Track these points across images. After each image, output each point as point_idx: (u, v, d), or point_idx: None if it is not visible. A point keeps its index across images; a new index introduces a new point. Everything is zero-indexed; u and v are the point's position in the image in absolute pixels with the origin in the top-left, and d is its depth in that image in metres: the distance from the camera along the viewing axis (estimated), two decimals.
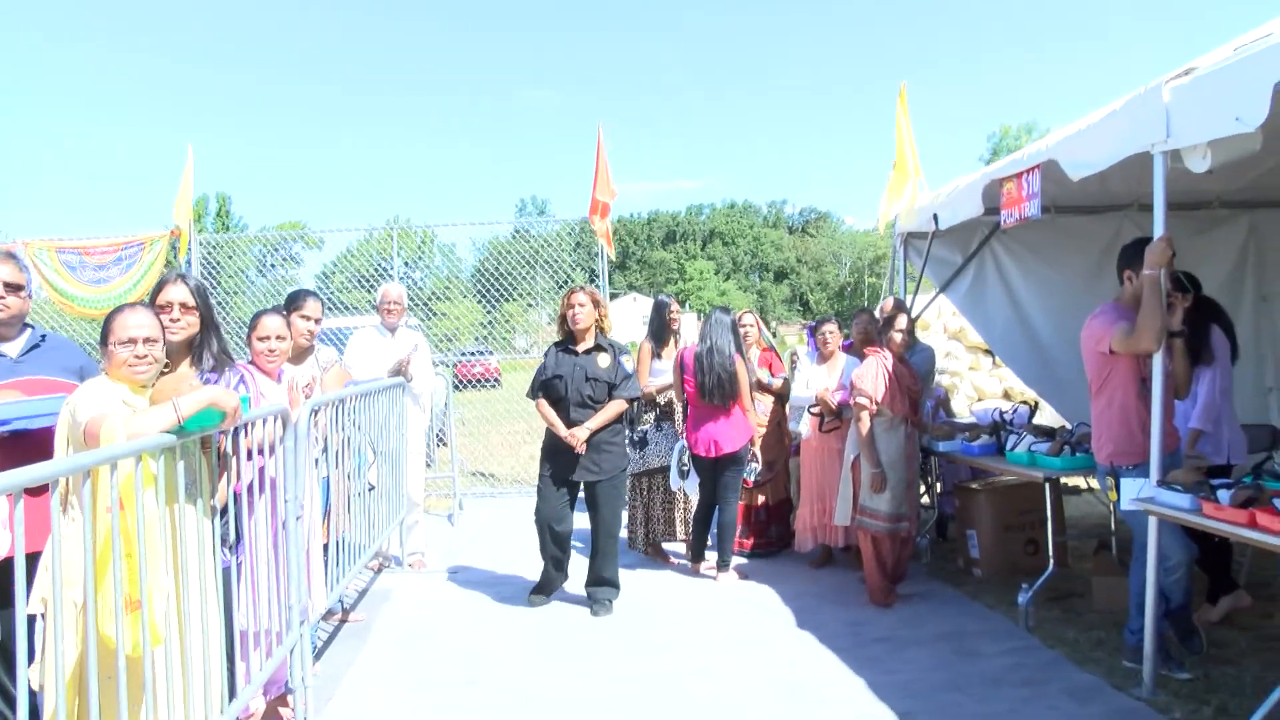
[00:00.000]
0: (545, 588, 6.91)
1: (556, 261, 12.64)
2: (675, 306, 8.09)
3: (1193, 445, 5.81)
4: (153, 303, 4.23)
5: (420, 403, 8.08)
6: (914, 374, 6.82)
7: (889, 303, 7.73)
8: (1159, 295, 4.75)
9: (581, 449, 6.52)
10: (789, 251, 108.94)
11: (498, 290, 12.82)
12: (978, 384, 12.16)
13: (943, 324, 12.97)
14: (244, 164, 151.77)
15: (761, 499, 8.03)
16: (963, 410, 11.03)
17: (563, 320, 6.77)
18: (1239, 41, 4.30)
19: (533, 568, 7.11)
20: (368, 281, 12.85)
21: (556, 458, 6.66)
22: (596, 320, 6.72)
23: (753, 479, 7.59)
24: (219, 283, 12.76)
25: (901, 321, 6.75)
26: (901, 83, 8.89)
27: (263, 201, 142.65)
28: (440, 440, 12.34)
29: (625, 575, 7.43)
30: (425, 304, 14.06)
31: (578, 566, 7.13)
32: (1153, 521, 4.76)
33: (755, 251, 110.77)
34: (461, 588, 7.40)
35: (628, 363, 6.80)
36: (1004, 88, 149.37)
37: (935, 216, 7.38)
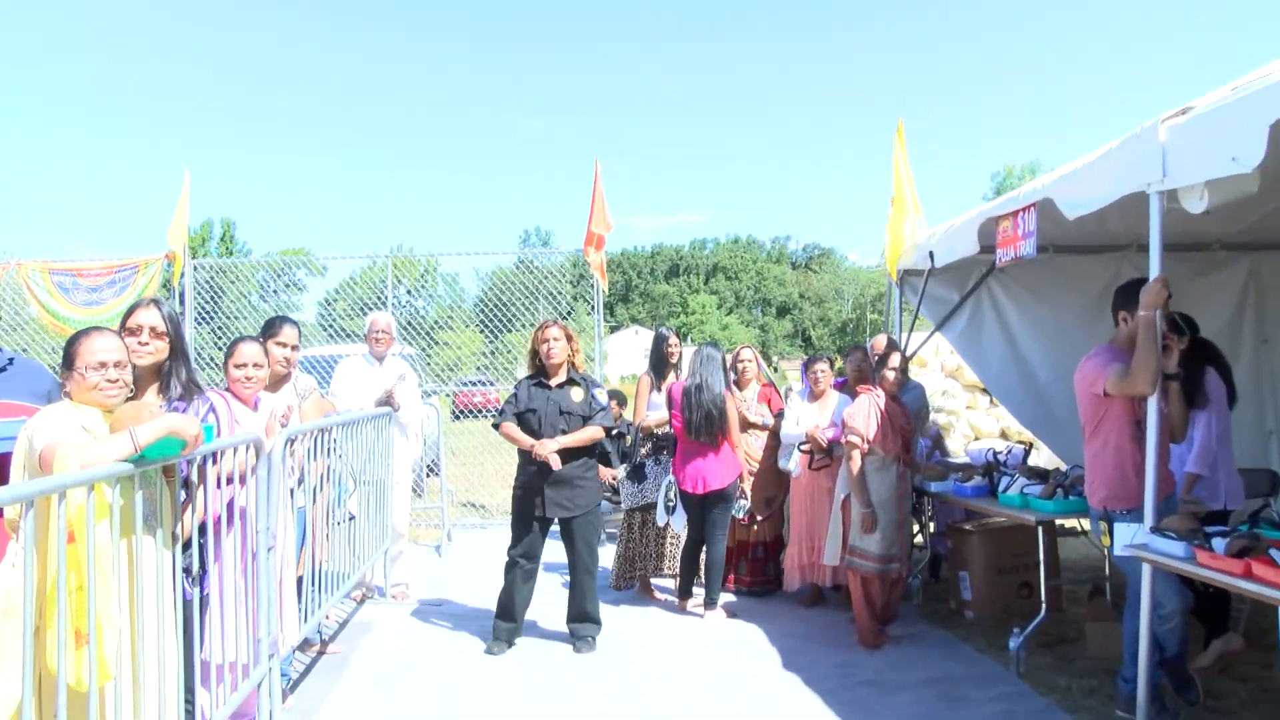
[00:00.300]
0: (501, 632, 6.64)
1: (559, 293, 12.57)
2: (674, 340, 8.01)
3: (1189, 490, 5.71)
4: (123, 326, 4.15)
5: (408, 432, 7.98)
6: (907, 412, 6.72)
7: (880, 340, 7.64)
8: (1154, 337, 4.65)
9: (552, 462, 6.33)
10: (792, 287, 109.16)
11: (500, 320, 12.76)
12: (974, 423, 12.02)
13: (940, 362, 12.87)
14: (251, 189, 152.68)
15: (760, 536, 7.91)
16: (959, 449, 10.89)
17: (534, 354, 6.65)
18: (1238, 82, 4.22)
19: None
20: (370, 309, 12.79)
21: (528, 495, 6.51)
22: (569, 355, 6.61)
23: (741, 515, 7.45)
24: (220, 307, 12.72)
25: (895, 359, 6.65)
26: (899, 119, 8.85)
27: (269, 227, 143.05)
28: (431, 470, 12.24)
29: (610, 611, 7.34)
30: (428, 333, 13.99)
31: (558, 603, 6.98)
32: (1146, 568, 4.64)
33: (758, 286, 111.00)
34: (444, 621, 7.26)
35: (600, 395, 6.70)
36: (1010, 128, 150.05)
37: (931, 254, 7.30)
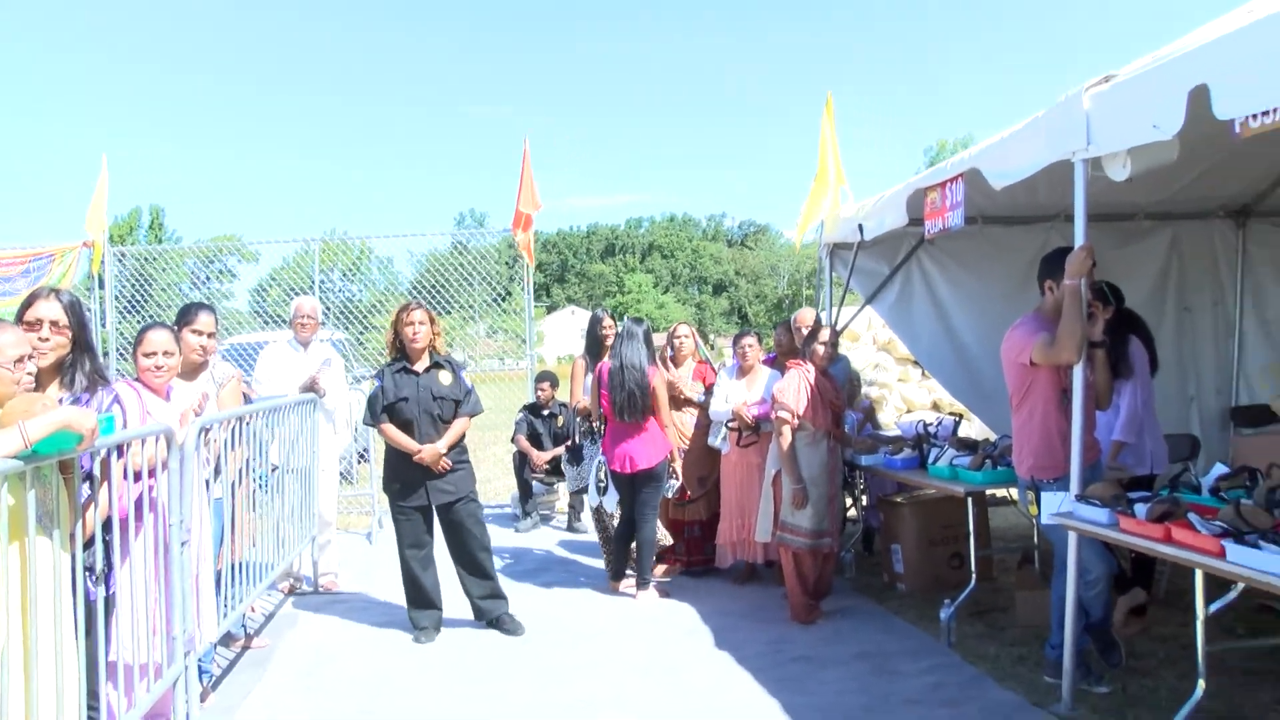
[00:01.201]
0: (423, 621, 6.53)
1: (495, 275, 12.43)
2: (609, 321, 7.94)
3: (1115, 457, 5.75)
4: (20, 319, 3.98)
5: (336, 419, 7.82)
6: (836, 387, 6.69)
7: (804, 314, 7.59)
8: (1079, 305, 4.64)
9: (443, 465, 6.26)
10: (728, 264, 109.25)
11: (435, 304, 12.57)
12: (907, 395, 12.12)
13: (872, 335, 12.94)
14: (182, 177, 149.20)
15: (695, 515, 7.87)
16: (891, 422, 10.95)
17: (395, 339, 6.48)
18: (1160, 51, 4.21)
19: (449, 586, 6.78)
20: (303, 295, 12.54)
21: (408, 485, 6.36)
22: (431, 338, 6.46)
23: (671, 494, 7.39)
24: (150, 296, 12.41)
25: (824, 334, 6.62)
26: (828, 92, 8.80)
27: (201, 215, 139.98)
28: (363, 457, 12.06)
29: (542, 595, 7.32)
30: (363, 318, 13.78)
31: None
32: (1072, 536, 4.65)
33: (694, 264, 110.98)
34: (374, 610, 7.14)
35: (467, 378, 6.60)
36: (945, 103, 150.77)
37: (860, 227, 7.27)
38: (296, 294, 12.00)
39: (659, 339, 8.24)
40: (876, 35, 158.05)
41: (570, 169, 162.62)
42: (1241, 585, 3.65)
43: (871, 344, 12.84)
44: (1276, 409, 5.86)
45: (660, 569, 7.58)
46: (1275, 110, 3.41)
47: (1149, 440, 5.86)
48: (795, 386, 6.44)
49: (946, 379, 8.23)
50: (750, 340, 7.57)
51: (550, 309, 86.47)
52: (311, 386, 7.35)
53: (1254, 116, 3.50)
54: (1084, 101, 4.41)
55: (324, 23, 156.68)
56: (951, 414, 8.38)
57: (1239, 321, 8.45)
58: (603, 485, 7.30)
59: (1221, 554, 3.55)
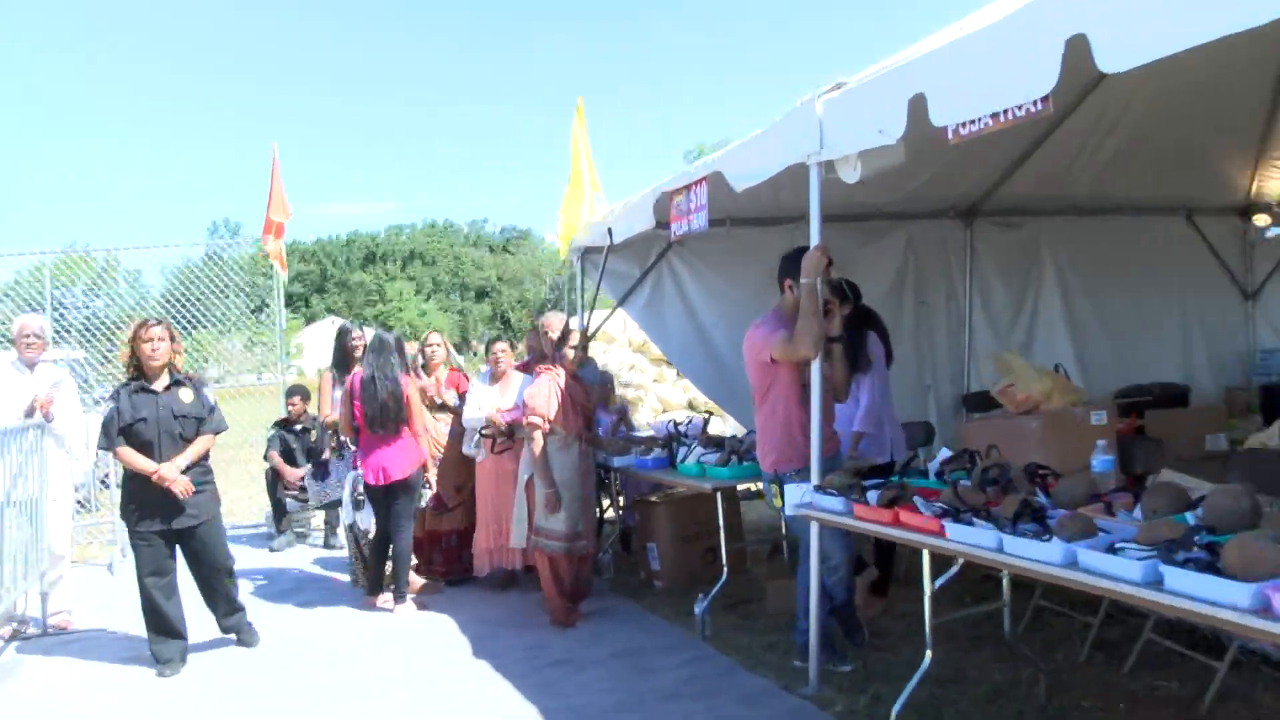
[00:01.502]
0: (167, 653, 6.15)
1: (251, 285, 11.93)
2: (357, 333, 7.78)
3: (855, 447, 5.99)
4: None
5: (69, 444, 7.28)
6: (587, 390, 6.75)
7: (551, 319, 7.61)
8: (816, 303, 4.83)
9: (183, 489, 5.95)
10: (490, 270, 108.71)
11: (189, 317, 11.93)
12: (663, 396, 12.35)
13: (628, 338, 13.12)
14: None
15: (452, 524, 7.78)
16: (647, 423, 11.13)
17: (132, 357, 6.14)
18: (887, 60, 4.44)
19: (198, 613, 6.45)
20: (40, 311, 11.64)
21: (147, 509, 6.03)
22: (170, 355, 6.17)
23: (425, 504, 7.28)
24: None
25: (574, 338, 6.66)
26: (579, 97, 8.89)
27: None
28: (104, 483, 11.35)
29: (298, 615, 7.15)
30: (109, 334, 12.96)
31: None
32: (813, 525, 4.84)
33: (456, 271, 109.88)
34: (112, 646, 6.66)
35: (209, 395, 6.39)
36: (703, 107, 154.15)
37: (610, 231, 7.35)
38: (32, 311, 11.21)
39: (411, 348, 8.13)
40: (641, 38, 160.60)
41: (329, 175, 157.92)
42: (962, 560, 3.89)
43: (627, 346, 13.04)
44: (995, 396, 6.26)
45: (418, 584, 7.44)
46: (980, 119, 3.65)
47: (888, 429, 6.17)
48: (545, 391, 6.45)
49: (698, 378, 8.42)
50: (502, 346, 7.56)
51: (310, 320, 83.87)
52: (36, 410, 6.85)
53: (963, 125, 3.73)
54: (817, 108, 4.60)
55: (40, 16, 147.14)
56: (708, 412, 8.60)
57: (969, 314, 8.99)
58: (359, 499, 7.14)
59: (942, 533, 3.78)
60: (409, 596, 7.10)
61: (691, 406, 11.81)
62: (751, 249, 7.94)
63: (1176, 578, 2.88)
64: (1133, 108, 7.14)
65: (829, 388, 5.25)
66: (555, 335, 7.18)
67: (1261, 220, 9.54)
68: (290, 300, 11.61)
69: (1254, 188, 9.27)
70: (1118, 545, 3.12)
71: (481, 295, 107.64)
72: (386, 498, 6.95)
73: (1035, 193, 8.48)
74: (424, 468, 7.09)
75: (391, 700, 5.36)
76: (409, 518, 7.04)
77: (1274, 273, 9.87)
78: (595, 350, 12.83)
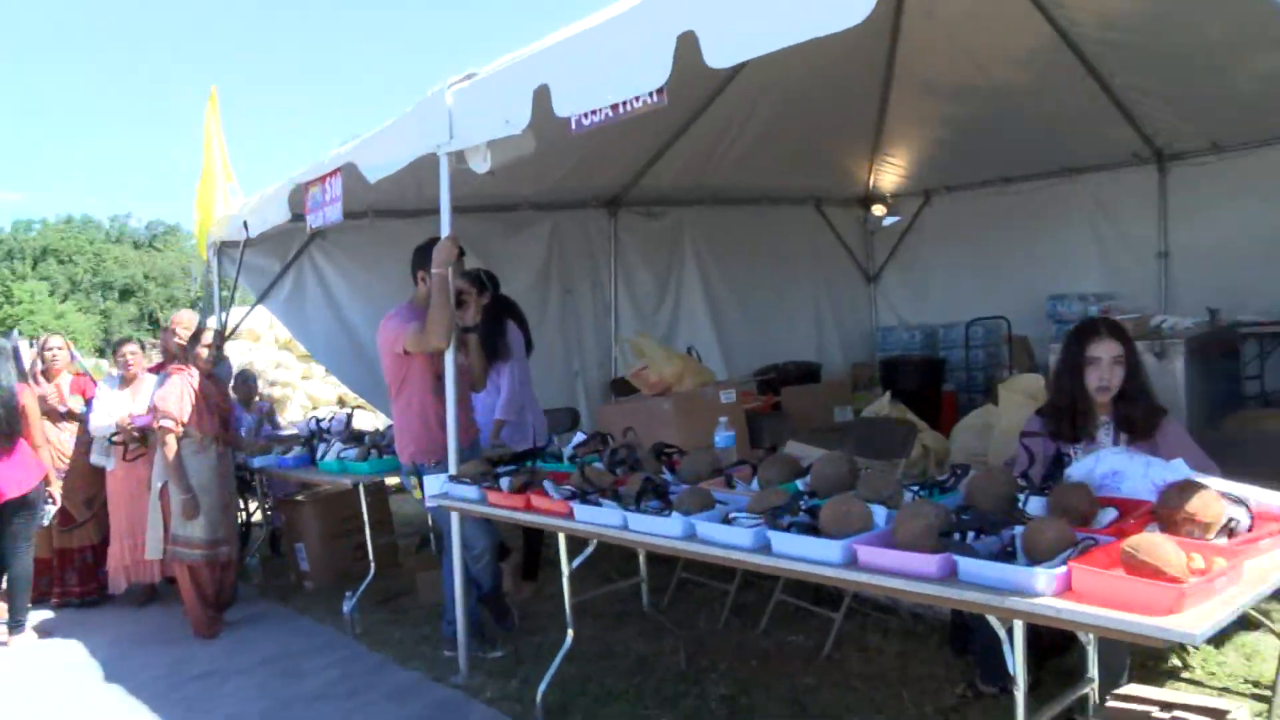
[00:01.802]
0: None
1: None
2: None
3: (496, 435, 6.06)
4: None
5: None
6: (223, 390, 6.48)
7: (179, 317, 7.22)
8: (447, 293, 4.85)
9: None
10: (135, 268, 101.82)
11: None
12: (311, 393, 12.02)
13: (274, 335, 12.66)
14: None
15: (84, 540, 7.20)
16: (290, 422, 10.79)
17: None
18: (518, 51, 4.48)
19: None
20: None
21: None
22: None
23: (48, 522, 6.73)
24: None
25: (207, 336, 6.35)
26: (212, 86, 8.47)
27: None
28: None
29: None
30: None
31: None
32: (454, 514, 4.86)
33: (97, 270, 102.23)
34: None
35: None
36: (355, 95, 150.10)
37: (245, 224, 7.06)
38: None
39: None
40: (290, 27, 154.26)
41: None
42: (595, 540, 4.03)
43: (274, 343, 12.58)
44: (630, 379, 6.51)
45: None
46: (600, 110, 3.77)
47: (530, 416, 6.27)
48: (177, 393, 6.12)
49: (343, 373, 8.23)
50: (131, 349, 7.10)
51: None
52: None
53: (584, 115, 3.84)
54: (447, 98, 4.62)
55: None
56: (354, 407, 8.45)
57: (615, 302, 9.30)
58: None
59: (571, 515, 3.89)
60: (28, 625, 6.54)
61: (342, 402, 11.54)
62: (395, 241, 7.78)
63: (782, 541, 3.08)
64: (761, 106, 7.59)
65: (466, 378, 5.29)
66: (185, 333, 6.83)
67: (878, 210, 10.48)
68: None
69: (871, 180, 10.15)
70: (732, 515, 3.31)
71: (126, 295, 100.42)
72: (2, 517, 6.35)
73: (676, 183, 8.83)
74: (46, 481, 6.54)
75: None
76: (27, 538, 6.44)
77: (890, 258, 10.79)
78: (240, 348, 12.35)
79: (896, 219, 10.61)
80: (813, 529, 3.06)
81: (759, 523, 3.20)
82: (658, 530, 3.50)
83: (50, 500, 6.58)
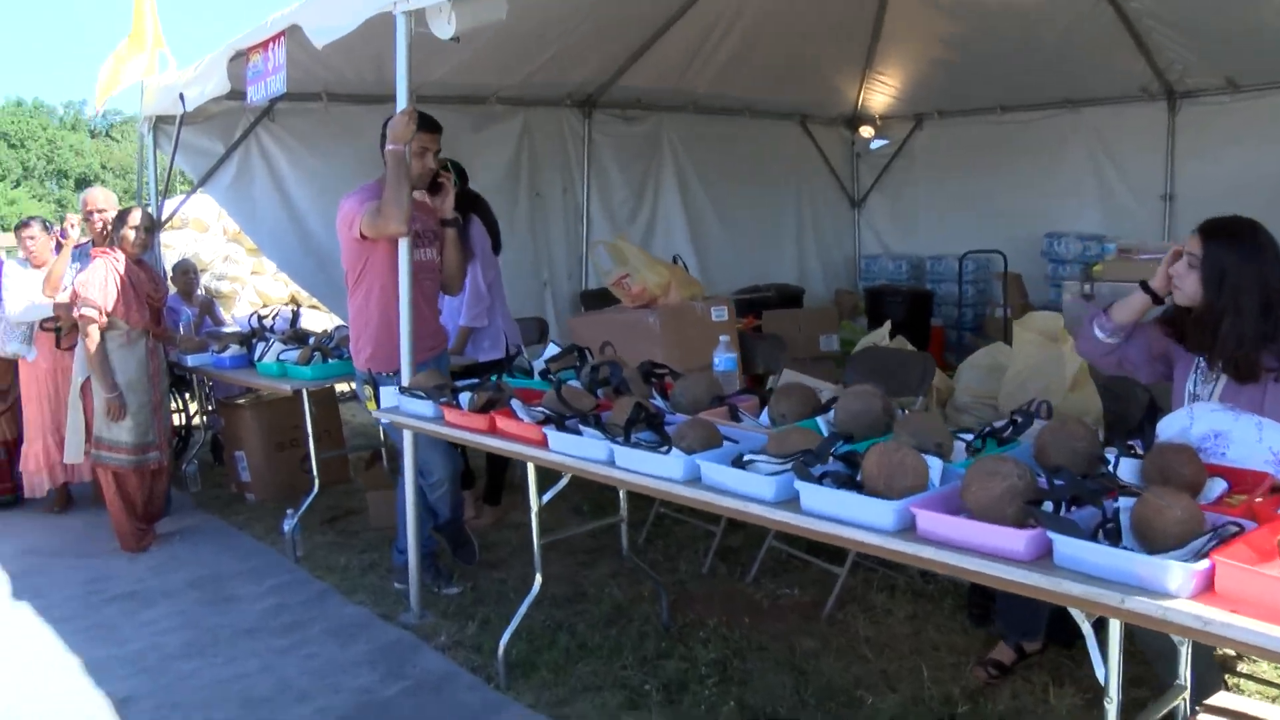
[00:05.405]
0: None
1: None
2: None
3: (462, 346, 5.45)
4: None
5: None
6: (155, 278, 5.79)
7: (93, 193, 6.48)
8: (403, 171, 4.19)
9: None
10: (92, 157, 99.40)
11: None
12: (262, 289, 11.30)
13: (223, 225, 11.83)
14: None
15: None
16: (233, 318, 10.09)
17: None
18: None
19: None
20: None
21: None
22: None
23: None
24: None
25: (135, 217, 5.63)
26: None
27: None
28: None
29: None
30: None
31: None
32: (407, 433, 4.25)
33: (51, 156, 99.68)
34: None
35: None
36: None
37: (182, 96, 6.31)
38: None
39: None
40: None
41: None
42: (569, 476, 3.41)
43: (222, 234, 11.76)
44: (609, 287, 5.85)
45: None
46: None
47: (501, 322, 5.62)
48: (101, 279, 5.43)
49: (292, 268, 7.50)
50: (31, 233, 6.36)
51: None
52: None
53: None
54: None
55: None
56: (311, 308, 7.79)
57: (587, 208, 8.65)
58: None
59: (544, 443, 3.27)
60: None
61: (294, 301, 10.82)
62: (353, 129, 7.11)
63: (815, 496, 2.48)
64: (748, 8, 7.16)
65: (436, 276, 4.66)
66: (100, 211, 6.14)
67: (866, 131, 10.00)
68: None
69: (860, 100, 9.64)
70: (746, 458, 2.71)
71: (82, 184, 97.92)
72: None
73: (656, 86, 8.29)
74: None
75: None
76: None
77: (876, 183, 10.32)
78: (185, 238, 11.57)
79: (885, 142, 10.15)
80: (851, 481, 2.46)
81: (783, 469, 2.58)
82: (652, 470, 2.90)
83: None
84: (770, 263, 9.56)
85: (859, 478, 2.46)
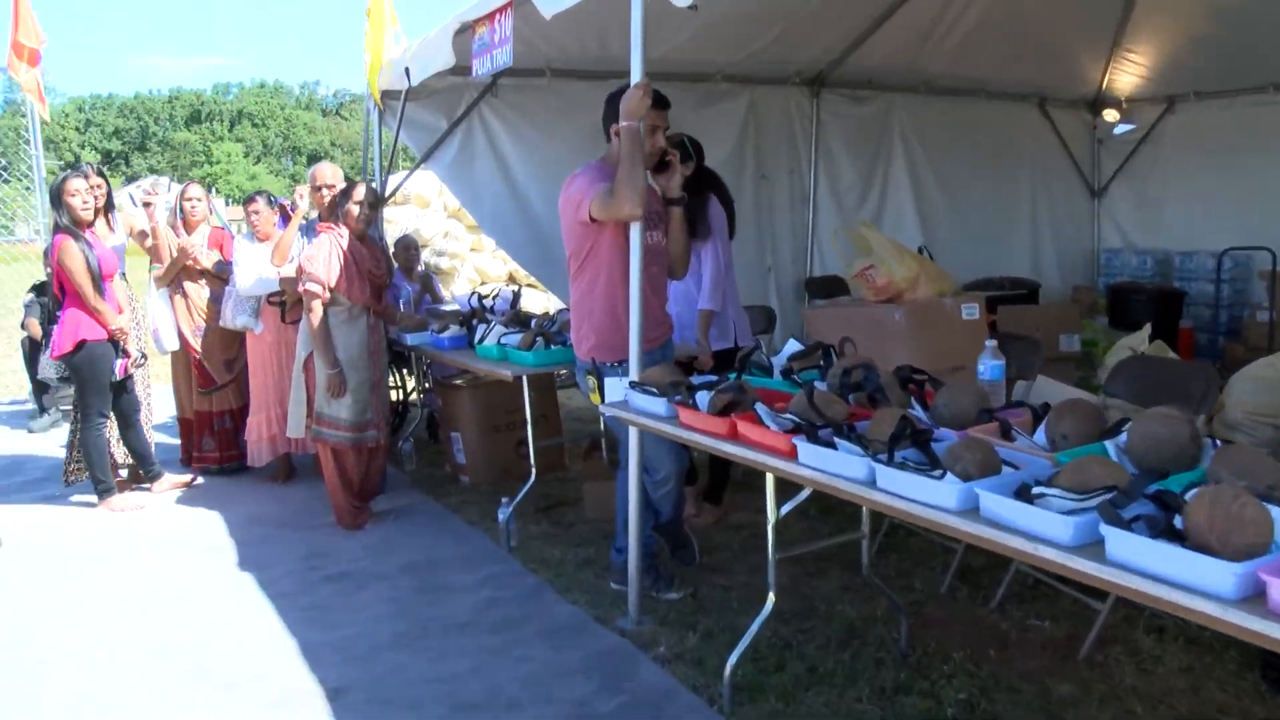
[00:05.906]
0: None
1: (63, 140, 10.27)
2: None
3: (705, 331, 5.12)
4: None
5: None
6: (377, 254, 5.71)
7: (320, 170, 6.45)
8: (639, 149, 3.87)
9: None
10: (324, 135, 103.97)
11: None
12: (481, 267, 11.28)
13: (444, 201, 11.88)
14: None
15: (223, 405, 6.70)
16: (452, 296, 10.06)
17: None
18: None
19: None
20: None
21: None
22: None
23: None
24: None
25: (360, 192, 5.55)
26: None
27: None
28: None
29: (40, 513, 6.14)
30: None
31: None
32: (632, 430, 3.96)
33: (288, 134, 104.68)
34: None
35: None
36: None
37: (407, 71, 6.23)
38: None
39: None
40: None
41: (146, 24, 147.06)
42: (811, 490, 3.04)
43: (442, 210, 11.81)
44: (851, 279, 5.42)
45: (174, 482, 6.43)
46: None
47: (731, 309, 5.25)
48: (325, 254, 5.37)
49: (513, 246, 7.38)
50: (255, 207, 6.41)
51: (131, 179, 78.87)
52: None
53: None
54: None
55: None
56: (529, 285, 7.65)
57: (814, 192, 8.27)
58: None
59: (793, 454, 2.91)
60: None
61: (513, 280, 10.77)
62: (575, 104, 6.91)
63: (1124, 544, 2.04)
64: None
65: (662, 260, 4.35)
66: (328, 186, 6.11)
67: (1111, 116, 9.29)
68: (109, 158, 10.09)
69: (1105, 80, 8.95)
70: (1034, 490, 2.28)
71: (313, 160, 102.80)
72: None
73: (886, 65, 7.83)
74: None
75: (128, 623, 4.40)
76: (85, 408, 5.99)
77: (1119, 172, 9.58)
78: (408, 214, 11.68)
79: (1131, 127, 9.33)
80: (1170, 530, 2.00)
81: (1083, 508, 2.15)
82: (920, 495, 2.49)
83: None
84: (1002, 254, 8.98)
85: (1178, 524, 2.01)
